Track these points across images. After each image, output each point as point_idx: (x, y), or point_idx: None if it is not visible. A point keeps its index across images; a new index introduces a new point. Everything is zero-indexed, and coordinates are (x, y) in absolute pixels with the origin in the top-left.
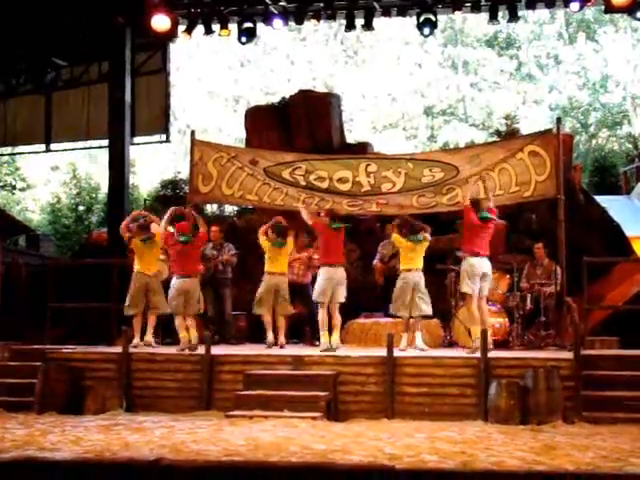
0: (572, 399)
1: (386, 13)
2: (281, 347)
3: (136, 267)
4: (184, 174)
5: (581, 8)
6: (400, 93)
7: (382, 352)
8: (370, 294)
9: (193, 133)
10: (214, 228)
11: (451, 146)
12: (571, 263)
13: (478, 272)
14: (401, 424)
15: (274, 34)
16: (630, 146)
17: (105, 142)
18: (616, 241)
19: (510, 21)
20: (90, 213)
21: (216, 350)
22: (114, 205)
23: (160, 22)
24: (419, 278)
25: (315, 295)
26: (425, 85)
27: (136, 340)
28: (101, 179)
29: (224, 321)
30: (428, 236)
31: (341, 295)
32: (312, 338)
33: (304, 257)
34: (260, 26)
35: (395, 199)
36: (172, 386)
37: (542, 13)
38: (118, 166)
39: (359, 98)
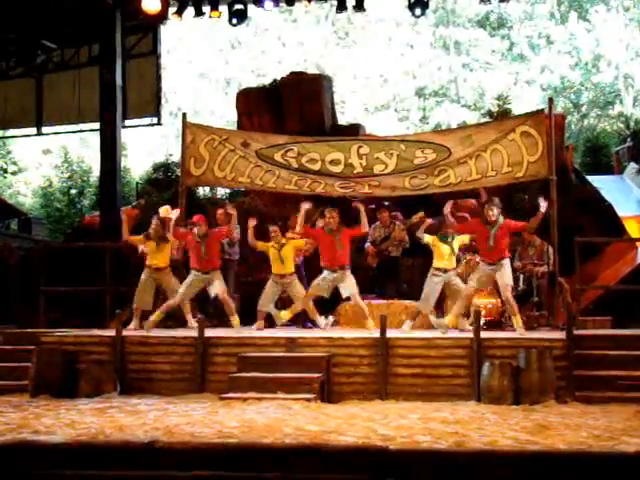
0: (565, 379)
1: None
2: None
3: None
4: (176, 157)
5: None
6: (392, 74)
7: (375, 333)
8: (363, 276)
9: (184, 116)
10: (220, 211)
11: (443, 127)
12: (563, 243)
13: None
14: (394, 405)
15: (265, 16)
16: (622, 126)
17: (96, 125)
18: (608, 221)
19: (502, 1)
20: (82, 196)
21: (210, 332)
22: (106, 188)
23: (150, 4)
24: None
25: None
26: (417, 66)
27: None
28: (93, 162)
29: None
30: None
31: (345, 290)
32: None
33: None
34: (251, 7)
35: (387, 181)
36: (166, 369)
37: None
38: (110, 149)
39: (350, 80)
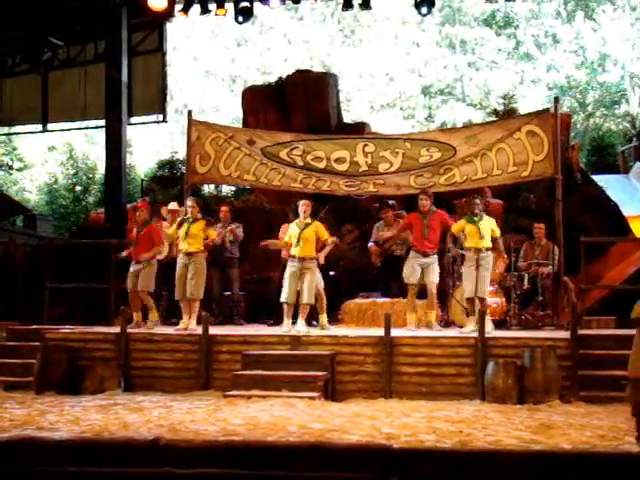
0: (569, 378)
1: None
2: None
3: None
4: (181, 154)
5: None
6: (397, 72)
7: (379, 332)
8: (367, 275)
9: (190, 113)
10: (223, 208)
11: (448, 126)
12: (568, 243)
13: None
14: (398, 404)
15: (271, 13)
16: (628, 125)
17: (102, 122)
18: (614, 221)
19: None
20: (87, 193)
21: (214, 330)
22: (111, 185)
23: (156, 1)
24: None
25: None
26: (422, 64)
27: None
28: (98, 159)
29: (232, 301)
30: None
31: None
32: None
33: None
34: (257, 5)
35: (392, 179)
36: (170, 366)
37: None
38: (115, 146)
39: (356, 78)
